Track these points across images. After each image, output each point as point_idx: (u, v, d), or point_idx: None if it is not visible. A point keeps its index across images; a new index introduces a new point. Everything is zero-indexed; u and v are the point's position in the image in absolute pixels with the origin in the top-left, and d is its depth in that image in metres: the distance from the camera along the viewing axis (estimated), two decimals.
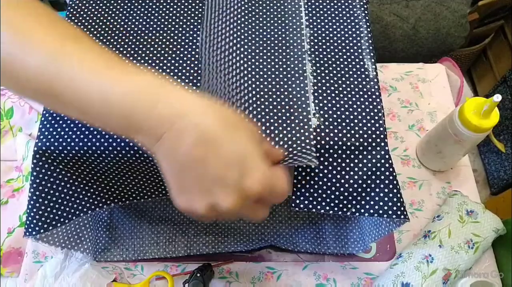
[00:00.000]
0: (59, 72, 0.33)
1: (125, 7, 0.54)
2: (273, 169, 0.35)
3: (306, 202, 0.47)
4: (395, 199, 0.46)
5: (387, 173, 0.46)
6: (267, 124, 0.46)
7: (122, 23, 0.53)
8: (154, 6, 0.54)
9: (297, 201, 0.47)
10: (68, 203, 0.49)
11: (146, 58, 0.50)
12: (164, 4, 0.55)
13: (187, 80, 0.49)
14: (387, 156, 0.46)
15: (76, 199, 0.50)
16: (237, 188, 0.33)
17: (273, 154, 0.38)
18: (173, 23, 0.53)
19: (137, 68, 0.34)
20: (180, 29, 0.53)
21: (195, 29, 0.53)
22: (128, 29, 0.52)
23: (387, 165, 0.46)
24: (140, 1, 0.55)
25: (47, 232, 0.49)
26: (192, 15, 0.54)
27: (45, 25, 0.34)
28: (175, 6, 0.54)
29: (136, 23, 0.53)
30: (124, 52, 0.51)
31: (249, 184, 0.33)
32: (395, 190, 0.46)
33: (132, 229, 0.66)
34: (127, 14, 0.54)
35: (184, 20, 0.54)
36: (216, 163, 0.32)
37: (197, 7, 0.55)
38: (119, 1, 0.55)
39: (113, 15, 0.53)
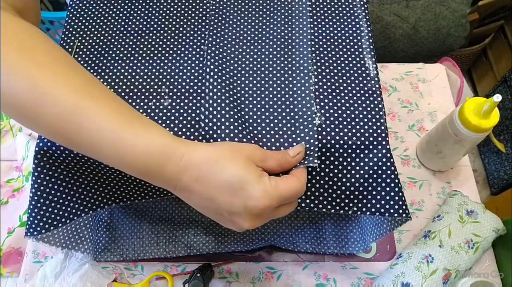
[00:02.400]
0: (77, 126, 0.36)
1: (126, 7, 0.54)
2: (277, 180, 0.39)
3: (307, 201, 0.47)
4: (396, 198, 0.46)
5: (388, 172, 0.46)
6: (270, 123, 0.46)
7: (123, 23, 0.53)
8: (154, 6, 0.54)
9: (298, 200, 0.47)
10: (69, 203, 0.49)
11: (147, 58, 0.50)
12: (165, 4, 0.55)
13: (188, 80, 0.49)
14: (388, 155, 0.46)
15: (77, 200, 0.50)
16: (246, 211, 0.38)
17: (282, 164, 0.42)
18: (174, 23, 0.53)
19: (147, 125, 0.38)
20: (181, 29, 0.53)
21: (196, 29, 0.53)
22: (129, 29, 0.52)
23: (388, 163, 0.46)
24: (140, 1, 0.55)
25: (48, 233, 0.49)
26: (193, 15, 0.54)
27: (62, 76, 0.36)
28: (175, 6, 0.54)
29: (137, 23, 0.53)
30: (125, 52, 0.51)
31: (253, 204, 0.37)
32: (396, 189, 0.46)
33: (132, 229, 0.66)
34: (127, 14, 0.54)
35: (185, 20, 0.53)
36: (221, 198, 0.38)
37: (197, 7, 0.55)
38: (120, 1, 0.55)
39: (113, 15, 0.53)
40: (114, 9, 0.54)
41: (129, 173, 0.38)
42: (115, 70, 0.49)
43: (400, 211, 0.46)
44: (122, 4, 0.54)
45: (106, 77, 0.49)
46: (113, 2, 0.55)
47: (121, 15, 0.54)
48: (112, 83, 0.49)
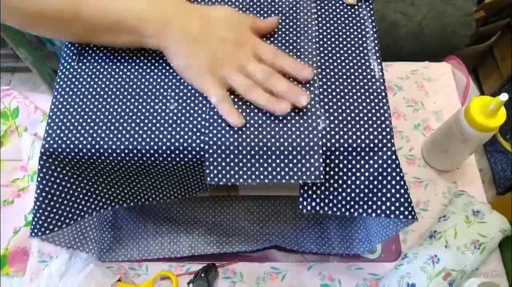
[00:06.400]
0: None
1: None
2: None
3: (313, 204, 0.47)
4: (402, 199, 0.46)
5: (394, 174, 0.46)
6: (275, 127, 0.46)
7: None
8: None
9: (304, 203, 0.47)
10: (74, 204, 0.49)
11: (153, 61, 0.50)
12: None
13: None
14: (393, 157, 0.45)
15: (81, 201, 0.50)
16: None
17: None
18: None
19: None
20: None
21: None
22: None
23: (393, 165, 0.45)
24: None
25: (52, 233, 0.49)
26: None
27: None
28: None
29: None
30: (130, 54, 0.51)
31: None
32: (402, 191, 0.45)
33: (137, 229, 0.66)
34: None
35: None
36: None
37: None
38: None
39: None
40: None
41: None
42: (121, 73, 0.49)
43: (406, 212, 0.45)
44: None
45: (112, 79, 0.49)
46: None
47: None
48: (118, 86, 0.49)
